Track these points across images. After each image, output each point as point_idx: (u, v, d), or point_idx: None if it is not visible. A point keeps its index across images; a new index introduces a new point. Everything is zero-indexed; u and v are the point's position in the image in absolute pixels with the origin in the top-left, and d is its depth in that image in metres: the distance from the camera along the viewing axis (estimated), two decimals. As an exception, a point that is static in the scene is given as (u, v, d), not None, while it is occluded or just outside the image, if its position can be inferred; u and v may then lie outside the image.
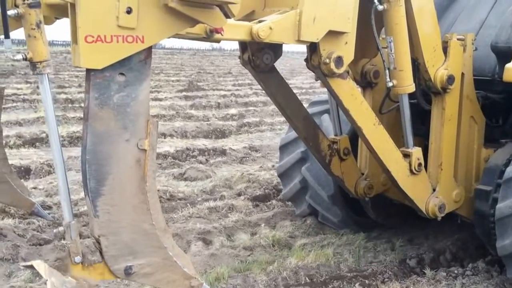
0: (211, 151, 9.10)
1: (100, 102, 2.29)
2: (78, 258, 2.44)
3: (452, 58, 4.08)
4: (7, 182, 3.76)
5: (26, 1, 2.13)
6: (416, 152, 4.04)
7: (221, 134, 10.87)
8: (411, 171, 4.04)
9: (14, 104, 12.58)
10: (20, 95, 14.09)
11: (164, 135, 10.23)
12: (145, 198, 2.44)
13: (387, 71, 3.80)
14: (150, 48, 2.37)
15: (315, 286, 4.43)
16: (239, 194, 6.81)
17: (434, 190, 4.27)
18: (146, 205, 2.45)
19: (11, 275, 4.42)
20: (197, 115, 12.69)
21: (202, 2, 2.32)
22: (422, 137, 4.55)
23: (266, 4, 3.51)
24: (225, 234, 5.55)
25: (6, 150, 8.36)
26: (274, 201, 6.56)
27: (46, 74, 2.24)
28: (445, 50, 4.08)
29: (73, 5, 2.19)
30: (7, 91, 12.70)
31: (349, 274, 4.64)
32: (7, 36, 2.30)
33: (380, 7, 3.57)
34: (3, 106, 12.38)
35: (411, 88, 3.88)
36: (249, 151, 9.26)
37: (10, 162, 7.33)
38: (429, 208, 4.24)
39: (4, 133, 9.35)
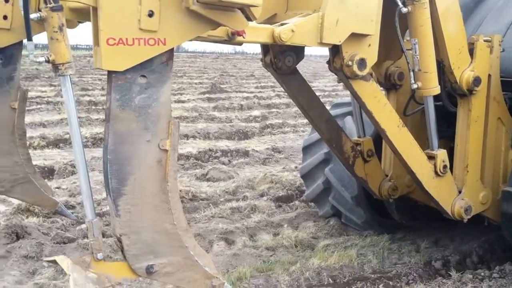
0: (234, 152, 9.10)
1: (121, 103, 2.30)
2: (100, 255, 2.45)
3: (479, 60, 4.02)
4: (31, 182, 3.80)
5: (48, 5, 2.16)
6: (441, 154, 3.98)
7: (244, 135, 10.86)
8: (436, 173, 3.98)
9: (38, 106, 12.77)
10: (44, 97, 14.31)
11: (187, 136, 10.28)
12: (166, 197, 2.45)
13: (411, 73, 3.75)
14: (171, 50, 2.38)
15: (338, 287, 4.38)
16: (261, 195, 6.79)
17: (460, 192, 4.20)
18: (167, 205, 2.46)
19: (35, 272, 4.46)
20: (219, 116, 12.71)
21: (224, 5, 2.31)
22: (448, 139, 4.48)
23: (289, 7, 3.49)
24: (248, 234, 5.53)
25: (30, 151, 8.47)
26: (297, 202, 6.52)
27: (68, 76, 2.26)
28: (471, 51, 4.02)
29: (95, 8, 2.20)
30: (31, 94, 12.94)
31: (373, 276, 4.58)
32: (29, 38, 2.32)
33: (404, 10, 3.52)
34: (27, 108, 12.60)
35: (436, 90, 3.82)
36: (272, 152, 9.24)
37: (34, 162, 7.47)
38: (455, 210, 4.17)
39: (29, 134, 9.52)
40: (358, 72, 3.25)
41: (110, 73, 2.29)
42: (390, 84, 4.38)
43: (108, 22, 2.19)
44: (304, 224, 5.84)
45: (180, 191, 6.64)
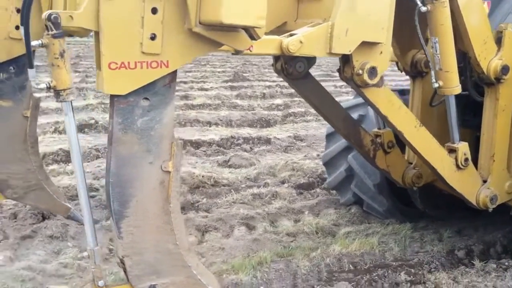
0: (256, 139, 9.10)
1: (123, 126, 2.29)
2: (101, 282, 2.45)
3: (507, 48, 3.94)
4: (43, 188, 3.88)
5: (50, 32, 2.14)
6: (462, 147, 3.93)
7: (266, 123, 10.84)
8: (457, 166, 3.93)
9: (65, 92, 12.91)
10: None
11: (209, 123, 10.31)
12: (168, 218, 2.44)
13: (432, 72, 3.70)
14: (174, 72, 2.35)
15: (359, 274, 4.37)
16: (283, 182, 6.79)
17: (485, 181, 4.15)
18: (170, 226, 2.45)
19: (60, 252, 4.55)
20: (242, 104, 12.70)
21: (226, 27, 2.27)
22: (474, 128, 4.42)
23: (299, 15, 3.44)
24: (268, 220, 5.54)
25: (57, 135, 8.66)
26: (318, 190, 6.50)
27: (69, 102, 2.24)
28: (499, 40, 3.95)
29: (97, 33, 2.18)
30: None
31: (394, 263, 4.56)
32: (31, 66, 2.29)
33: (423, 9, 3.46)
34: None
35: (458, 89, 3.76)
36: (294, 140, 9.21)
37: (60, 146, 7.60)
38: (480, 200, 4.13)
39: (54, 119, 9.69)
40: (369, 81, 3.18)
41: (112, 96, 2.27)
42: (416, 72, 4.32)
43: (110, 46, 2.18)
44: (325, 211, 5.83)
45: (202, 176, 6.69)
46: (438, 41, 3.61)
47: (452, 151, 3.93)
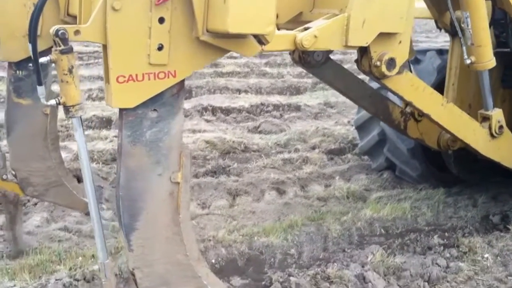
0: (286, 106, 9.03)
1: (132, 139, 2.26)
2: None
3: None
4: (63, 185, 3.92)
5: (58, 48, 2.10)
6: (496, 114, 3.83)
7: (296, 90, 10.73)
8: (491, 135, 3.83)
9: (96, 61, 13.01)
10: (100, 52, 14.53)
11: (239, 91, 10.26)
12: (178, 229, 2.42)
13: (464, 48, 3.58)
14: (182, 81, 2.31)
15: (390, 238, 4.35)
16: (313, 148, 6.74)
17: None
18: (179, 236, 2.43)
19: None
20: (271, 72, 12.58)
21: (234, 35, 2.19)
22: None
23: (315, 5, 3.33)
24: (299, 185, 5.53)
25: (90, 102, 8.75)
26: (349, 155, 6.44)
27: (79, 117, 2.21)
28: None
29: (105, 46, 2.14)
30: (89, 49, 13.17)
31: (426, 228, 4.52)
32: (40, 83, 2.26)
33: None
34: (86, 62, 12.70)
35: (491, 63, 3.65)
36: (324, 107, 9.10)
37: (93, 113, 7.69)
38: None
39: (88, 87, 9.78)
40: (387, 73, 3.06)
41: (121, 110, 2.24)
42: (455, 31, 4.19)
43: (117, 59, 2.14)
44: (356, 176, 5.78)
45: (233, 142, 6.70)
46: (469, 15, 3.49)
47: (485, 119, 3.84)
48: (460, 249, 4.10)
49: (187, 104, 8.31)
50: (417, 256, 4.00)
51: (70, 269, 3.58)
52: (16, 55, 3.46)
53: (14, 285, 3.33)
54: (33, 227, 4.31)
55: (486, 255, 3.95)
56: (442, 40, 16.95)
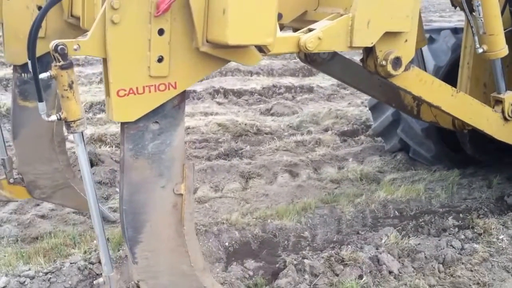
0: (298, 88, 8.98)
1: (134, 153, 2.25)
2: None
3: None
4: (70, 187, 3.92)
5: (57, 63, 2.08)
6: (509, 97, 3.76)
7: (308, 72, 10.64)
8: (505, 119, 3.77)
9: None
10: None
11: (250, 73, 10.20)
12: (182, 241, 2.42)
13: (475, 37, 3.52)
14: (183, 92, 2.28)
15: (404, 220, 4.32)
16: (326, 129, 6.70)
17: None
18: (184, 248, 2.43)
19: (109, 197, 4.66)
20: (283, 53, 12.51)
21: (234, 46, 2.16)
22: None
23: (319, 3, 3.25)
24: (312, 167, 5.51)
25: (103, 85, 8.74)
26: (362, 137, 6.40)
27: (80, 133, 2.20)
28: None
29: (105, 60, 2.12)
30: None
31: (441, 209, 4.48)
32: (40, 100, 2.25)
33: None
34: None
35: (504, 52, 3.58)
36: (337, 88, 9.03)
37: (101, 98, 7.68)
38: None
39: (100, 70, 9.77)
40: (393, 72, 2.97)
41: (122, 123, 2.23)
42: (471, 8, 4.11)
43: (118, 73, 2.11)
44: (370, 158, 5.74)
45: (245, 124, 6.67)
46: (481, 3, 3.42)
47: (498, 102, 3.78)
48: (475, 230, 4.07)
49: (198, 87, 8.29)
50: (432, 238, 3.98)
51: (85, 252, 3.61)
52: (21, 57, 3.41)
53: (29, 269, 3.35)
54: (48, 211, 4.35)
55: (501, 236, 3.92)
56: (456, 19, 16.70)
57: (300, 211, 4.36)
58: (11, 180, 3.82)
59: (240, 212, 4.36)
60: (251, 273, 3.54)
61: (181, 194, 2.38)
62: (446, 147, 5.20)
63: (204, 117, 7.12)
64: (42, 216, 4.26)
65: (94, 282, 3.21)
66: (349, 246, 3.76)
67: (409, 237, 3.94)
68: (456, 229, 4.11)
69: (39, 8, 3.34)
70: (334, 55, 3.65)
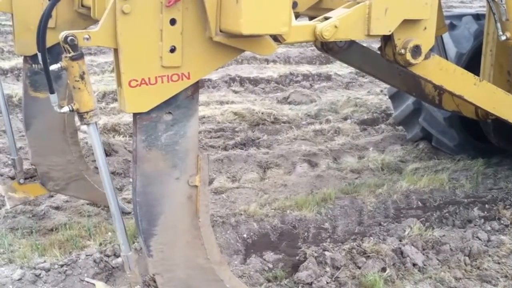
0: (315, 76, 8.84)
1: (147, 144, 2.20)
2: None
3: None
4: (84, 178, 3.88)
5: (68, 54, 2.03)
6: None
7: (326, 59, 10.48)
8: None
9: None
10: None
11: (267, 61, 10.07)
12: (198, 233, 2.37)
13: (498, 24, 3.40)
14: (197, 83, 2.22)
15: (428, 211, 4.18)
16: (345, 118, 6.57)
17: None
18: (199, 241, 2.39)
19: (123, 188, 4.59)
20: (300, 41, 12.36)
21: (249, 35, 2.09)
22: None
23: None
24: (331, 156, 5.39)
25: (107, 75, 8.68)
26: (383, 125, 6.25)
27: (94, 124, 2.15)
28: None
29: (116, 51, 2.07)
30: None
31: (466, 200, 4.34)
32: (51, 91, 2.21)
33: None
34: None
35: None
36: (356, 76, 8.87)
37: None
38: None
39: (112, 59, 9.73)
40: (412, 61, 2.88)
41: (135, 114, 2.18)
42: None
43: (129, 63, 2.06)
44: (391, 147, 5.60)
45: (262, 113, 6.56)
46: None
47: None
48: (502, 221, 3.95)
49: (214, 75, 8.19)
50: (457, 230, 3.85)
51: (100, 244, 3.54)
52: (31, 48, 3.29)
53: (45, 261, 3.30)
54: (62, 202, 4.29)
55: (529, 228, 3.78)
56: (477, 5, 16.35)
57: (320, 201, 4.24)
58: (21, 181, 3.80)
59: (258, 203, 4.25)
60: (270, 265, 3.44)
61: (196, 186, 2.32)
62: (470, 136, 5.05)
63: (220, 105, 7.02)
64: (57, 208, 4.20)
65: (113, 261, 3.21)
66: (371, 238, 3.65)
67: (433, 228, 3.81)
68: (482, 220, 3.97)
69: None
70: (352, 43, 3.57)
